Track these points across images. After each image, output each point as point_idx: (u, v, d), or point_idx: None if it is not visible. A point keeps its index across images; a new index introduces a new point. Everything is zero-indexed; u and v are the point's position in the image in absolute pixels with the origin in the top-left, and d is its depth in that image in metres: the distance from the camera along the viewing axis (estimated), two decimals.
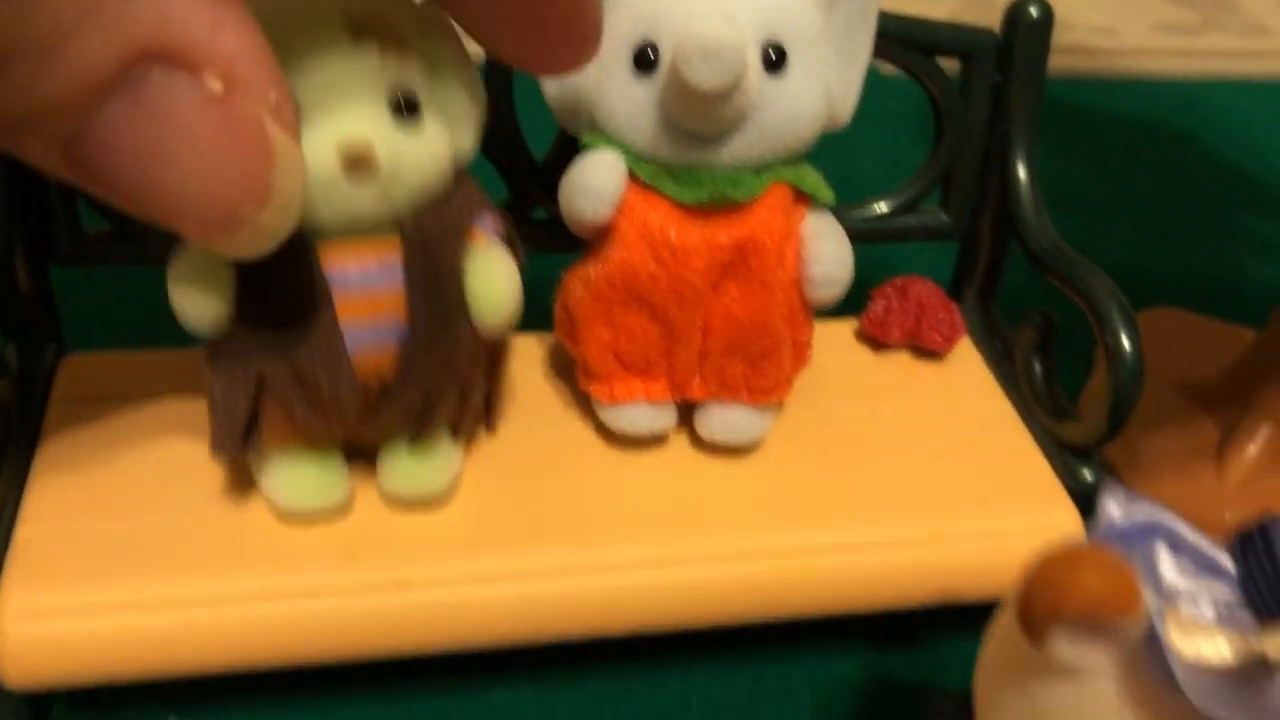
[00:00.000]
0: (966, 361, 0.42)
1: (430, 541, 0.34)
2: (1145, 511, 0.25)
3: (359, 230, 0.29)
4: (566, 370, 0.40)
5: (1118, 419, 0.36)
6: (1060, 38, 0.78)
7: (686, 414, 0.38)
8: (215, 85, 0.20)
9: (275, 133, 0.21)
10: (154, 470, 0.35)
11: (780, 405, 0.38)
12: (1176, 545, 0.25)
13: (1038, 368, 0.41)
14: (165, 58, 0.20)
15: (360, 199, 0.29)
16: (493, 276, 0.31)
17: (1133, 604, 0.22)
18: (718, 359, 0.35)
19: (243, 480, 0.35)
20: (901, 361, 0.42)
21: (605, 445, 0.38)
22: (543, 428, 0.38)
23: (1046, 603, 0.23)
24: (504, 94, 0.38)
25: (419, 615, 0.33)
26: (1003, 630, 0.27)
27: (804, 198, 0.35)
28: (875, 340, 0.42)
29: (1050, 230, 0.40)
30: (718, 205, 0.33)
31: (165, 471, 0.35)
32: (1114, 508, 0.25)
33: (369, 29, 0.28)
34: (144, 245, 0.38)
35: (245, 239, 0.22)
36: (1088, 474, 0.38)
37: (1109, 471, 0.47)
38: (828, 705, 0.38)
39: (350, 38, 0.28)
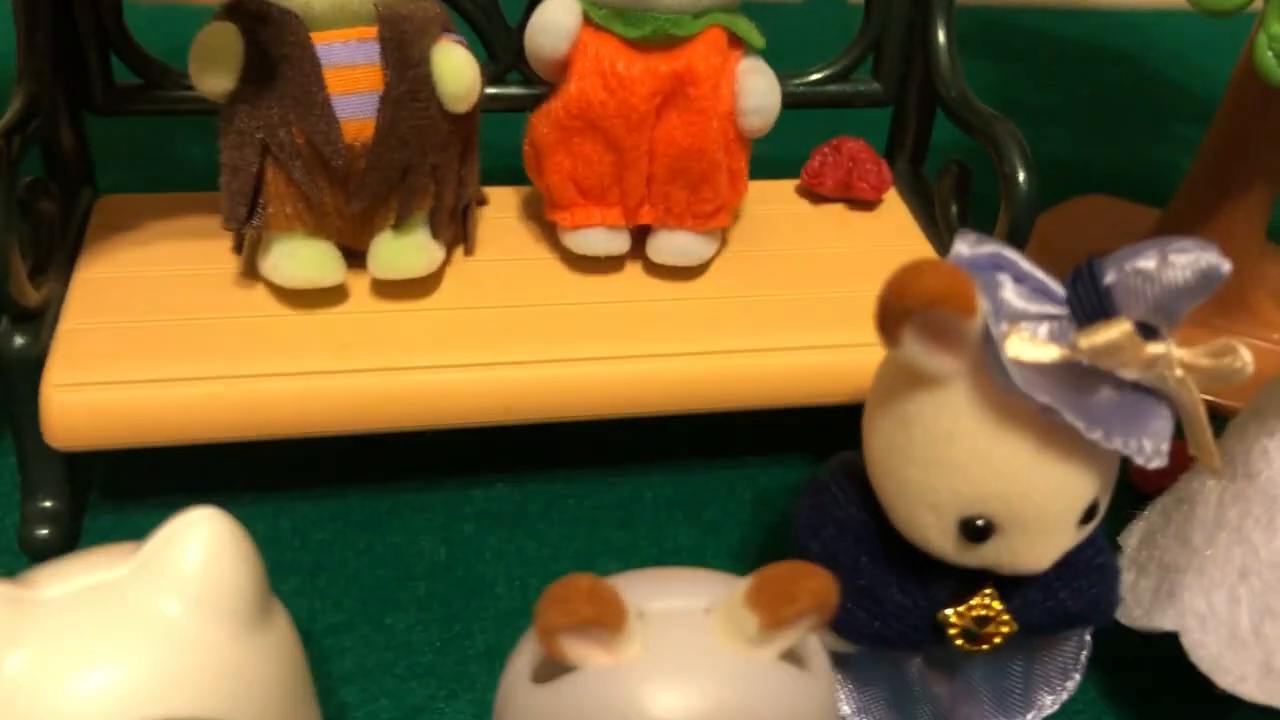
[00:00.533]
0: (894, 210, 0.48)
1: (415, 335, 0.39)
2: (991, 248, 0.30)
3: (345, 18, 0.36)
4: (534, 214, 0.45)
5: (1016, 240, 0.41)
6: None
7: (640, 243, 0.43)
8: None
9: None
10: (175, 281, 0.41)
11: (721, 232, 0.43)
12: (1018, 276, 0.30)
13: (954, 208, 0.46)
14: None
15: None
16: (455, 60, 0.37)
17: (968, 303, 0.27)
18: (663, 185, 0.41)
19: (252, 283, 0.40)
20: (837, 211, 0.48)
21: (568, 268, 0.43)
22: (514, 255, 0.43)
23: (897, 302, 0.28)
24: None
25: (405, 394, 0.38)
26: (880, 369, 0.32)
27: (738, 43, 0.40)
28: (812, 193, 0.48)
29: (963, 86, 0.45)
30: (660, 42, 0.39)
31: (185, 283, 0.41)
32: (963, 245, 0.30)
33: None
34: (168, 99, 0.44)
35: None
36: None
37: None
38: (764, 503, 0.44)
39: None
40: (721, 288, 0.43)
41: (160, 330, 0.39)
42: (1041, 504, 0.30)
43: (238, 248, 0.42)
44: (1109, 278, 0.29)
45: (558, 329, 0.40)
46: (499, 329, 0.40)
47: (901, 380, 0.31)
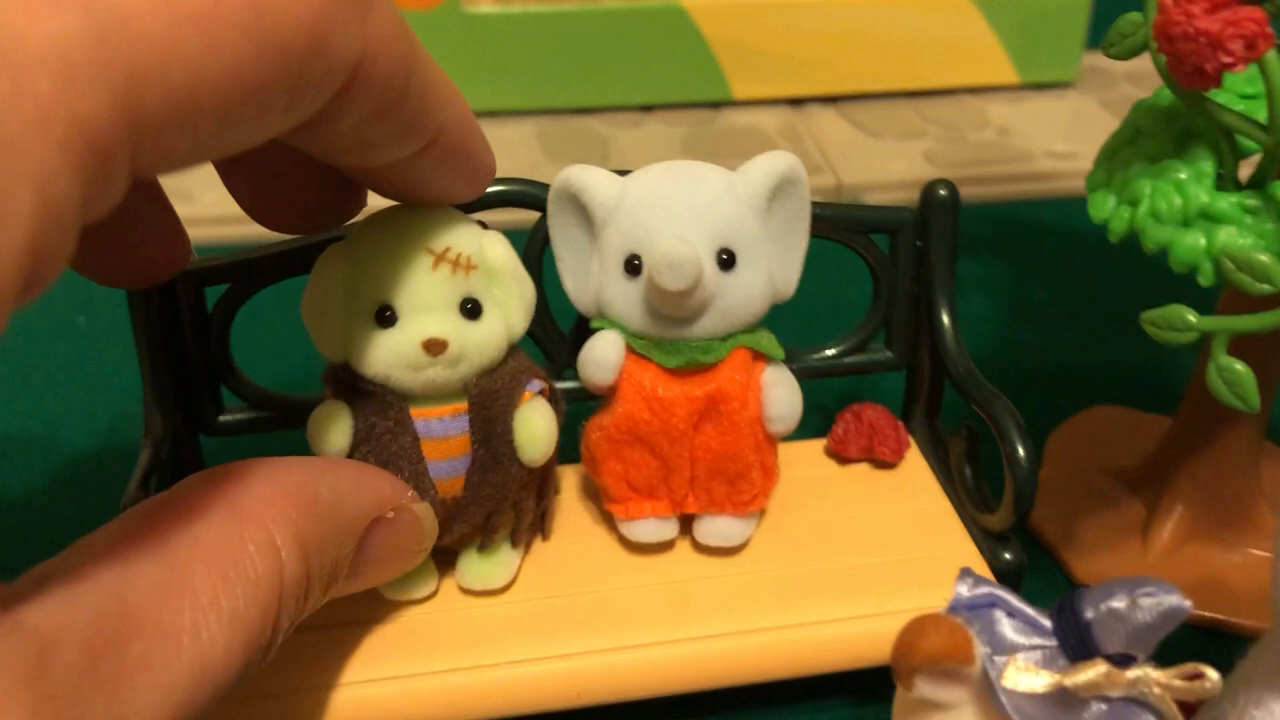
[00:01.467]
0: (914, 469, 0.53)
1: (495, 631, 0.45)
2: (986, 589, 0.36)
3: (438, 395, 0.43)
4: (593, 495, 0.51)
5: (1020, 510, 0.46)
6: (1024, 166, 0.89)
7: (686, 524, 0.49)
8: None
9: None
10: None
11: (760, 513, 0.49)
12: (1011, 612, 0.35)
13: (967, 470, 0.51)
14: None
15: (438, 374, 0.42)
16: (534, 428, 0.44)
17: (966, 656, 0.33)
18: (704, 481, 0.47)
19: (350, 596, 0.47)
20: (861, 472, 0.53)
21: (625, 552, 0.49)
22: (578, 539, 0.49)
23: (905, 660, 0.33)
24: (537, 288, 0.50)
25: (489, 689, 0.44)
26: (896, 699, 0.38)
27: (761, 356, 0.47)
28: (839, 456, 0.53)
29: (967, 361, 0.51)
30: (693, 368, 0.45)
31: None
32: (963, 587, 0.36)
33: (442, 258, 0.42)
34: (274, 422, 0.51)
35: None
36: (1007, 555, 0.48)
37: (1049, 549, 0.57)
38: None
39: (431, 264, 0.42)
40: (760, 562, 0.48)
41: None
42: None
43: None
44: (1088, 614, 0.34)
45: (619, 616, 0.46)
46: (568, 619, 0.46)
47: (919, 704, 0.36)
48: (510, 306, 0.44)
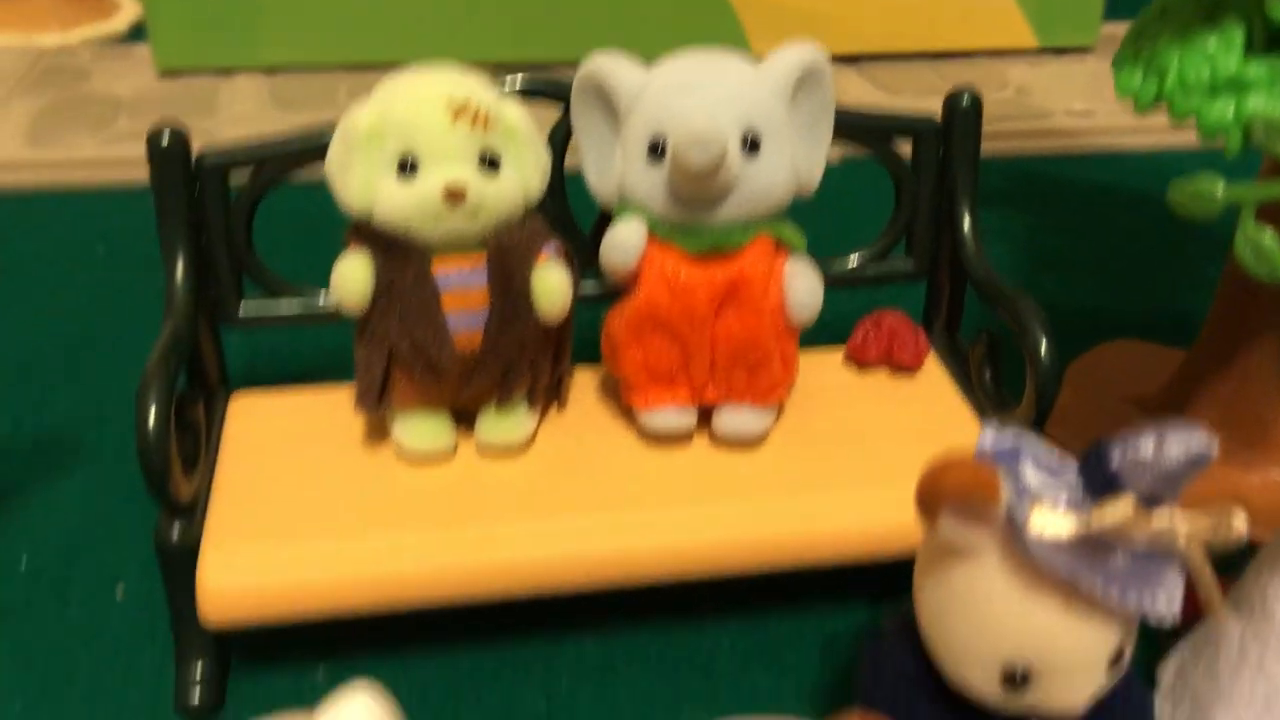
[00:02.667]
0: (933, 375, 0.53)
1: (515, 506, 0.45)
2: (1013, 437, 0.35)
3: (458, 246, 0.43)
4: (611, 396, 0.51)
5: (1042, 407, 0.46)
6: (1043, 123, 0.90)
7: (705, 422, 0.48)
8: None
9: None
10: (304, 469, 0.47)
11: (778, 407, 0.49)
12: (1037, 460, 0.35)
13: (987, 373, 0.51)
14: None
15: (457, 224, 0.42)
16: (550, 283, 0.44)
17: (992, 492, 0.33)
18: (724, 369, 0.46)
19: (368, 465, 0.47)
20: (880, 379, 0.53)
21: (643, 446, 0.48)
22: (596, 433, 0.49)
23: (931, 493, 0.33)
24: (559, 193, 0.50)
25: (508, 568, 0.44)
26: (923, 544, 0.37)
27: (784, 246, 0.47)
28: (858, 362, 0.53)
29: (987, 266, 0.51)
30: (715, 253, 0.45)
31: (313, 470, 0.47)
32: (988, 434, 0.35)
33: (462, 112, 0.43)
34: (290, 314, 0.51)
35: None
36: None
37: None
38: (832, 647, 0.48)
39: (451, 118, 0.42)
40: (780, 456, 0.48)
41: (296, 514, 0.45)
42: (1071, 653, 0.34)
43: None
44: (1115, 460, 0.34)
45: (636, 500, 0.46)
46: (583, 498, 0.46)
47: (943, 553, 0.36)
48: (527, 167, 0.44)
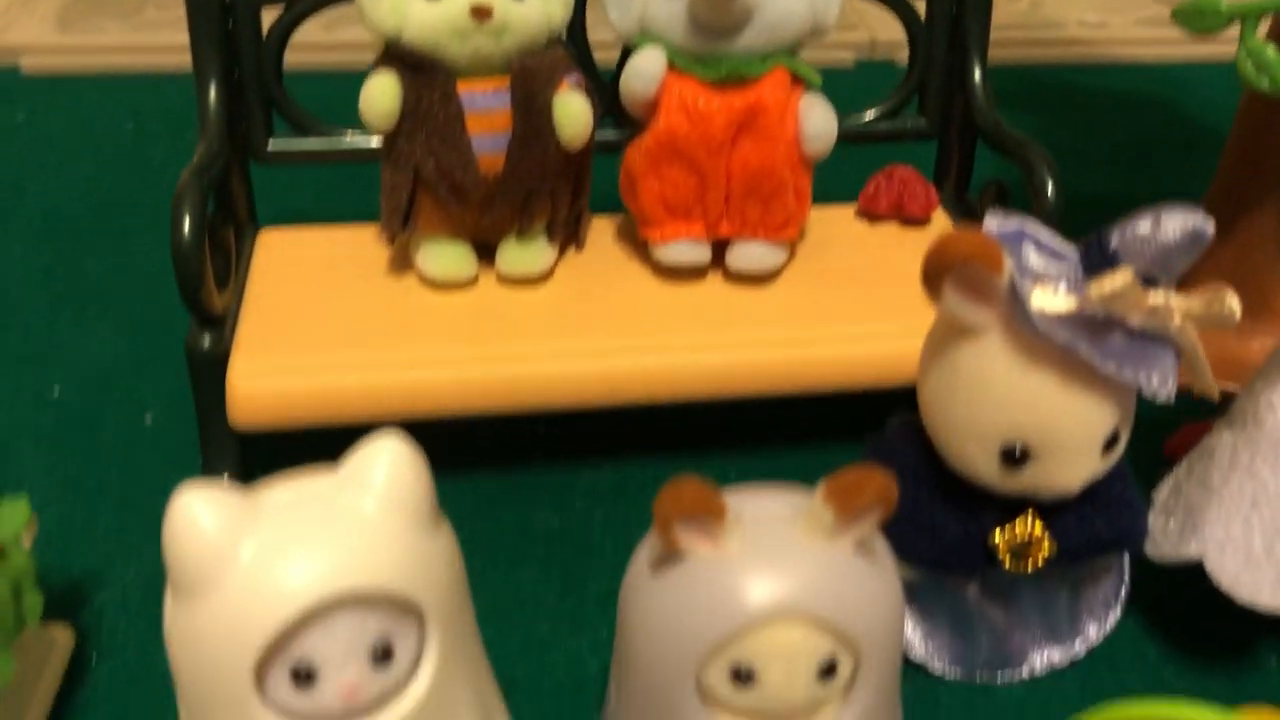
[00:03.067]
0: (942, 227, 0.54)
1: (533, 327, 0.47)
2: (1015, 222, 0.37)
3: (483, 68, 0.45)
4: (628, 238, 0.52)
5: None
6: (1056, 32, 0.90)
7: (719, 258, 0.50)
8: None
9: None
10: (330, 290, 0.48)
11: (790, 245, 0.50)
12: (1039, 243, 0.37)
13: None
14: None
15: (483, 43, 0.44)
16: (572, 108, 0.45)
17: (996, 259, 0.34)
18: (739, 202, 0.48)
19: (394, 288, 0.48)
20: (891, 229, 0.54)
21: (659, 279, 0.50)
22: (613, 266, 0.51)
23: (937, 259, 0.34)
24: (581, 37, 0.51)
25: (527, 381, 0.45)
26: (931, 329, 0.39)
27: (799, 81, 0.48)
28: (869, 215, 0.54)
29: (997, 117, 0.52)
30: (733, 81, 0.46)
31: (338, 291, 0.48)
32: (992, 220, 0.37)
33: None
34: (318, 151, 0.52)
35: None
36: None
37: None
38: None
39: None
40: (790, 292, 0.50)
41: (324, 327, 0.46)
42: (1068, 430, 0.36)
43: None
44: (1114, 240, 0.35)
45: (652, 325, 0.47)
46: (601, 320, 0.47)
47: (948, 333, 0.37)
48: None
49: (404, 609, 0.32)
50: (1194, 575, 0.41)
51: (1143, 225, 0.35)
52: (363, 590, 0.31)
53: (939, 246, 0.34)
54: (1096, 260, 0.36)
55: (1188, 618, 0.44)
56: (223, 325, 0.46)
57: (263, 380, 0.44)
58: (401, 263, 0.50)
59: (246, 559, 0.30)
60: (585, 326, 0.47)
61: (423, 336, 0.46)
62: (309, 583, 0.30)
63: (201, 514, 0.29)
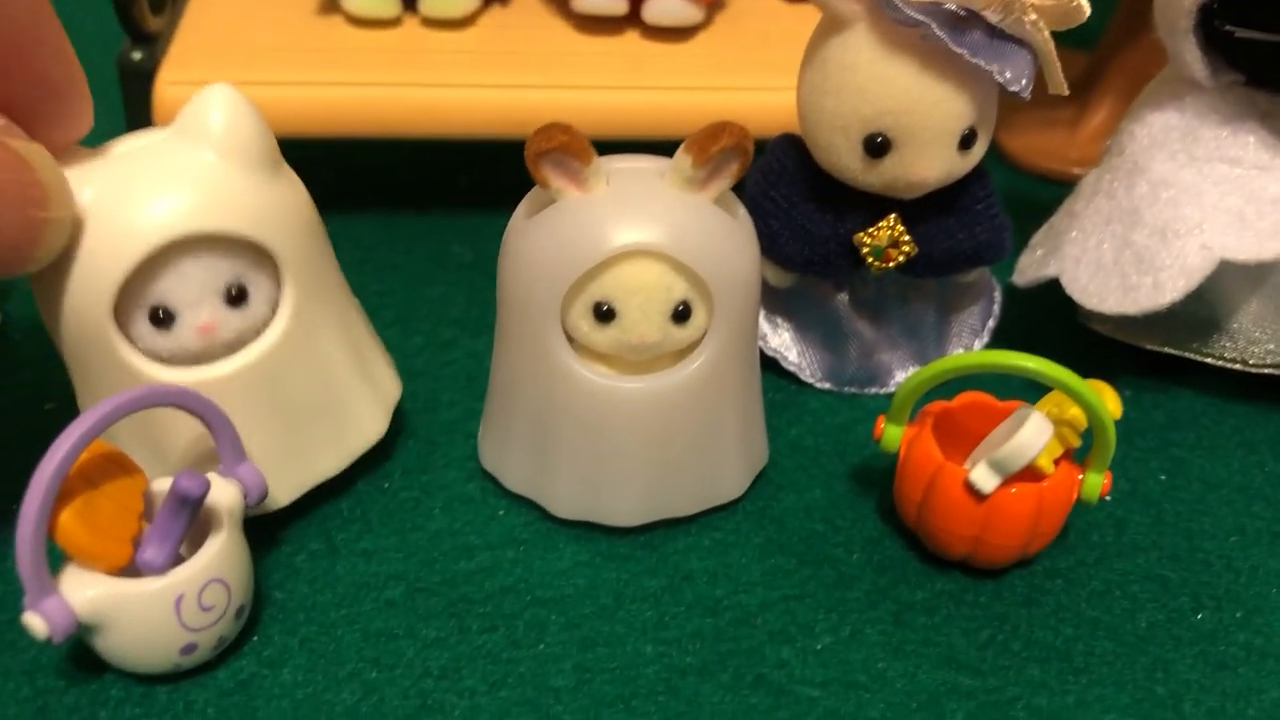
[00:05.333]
0: None
1: (452, 62, 0.49)
2: None
3: None
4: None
5: None
6: None
7: (635, 13, 0.52)
8: None
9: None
10: (266, 18, 0.51)
11: (708, 4, 0.52)
12: None
13: None
14: None
15: None
16: None
17: None
18: None
19: (329, 18, 0.51)
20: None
21: (577, 30, 0.52)
22: (533, 18, 0.53)
23: None
24: None
25: (443, 105, 0.48)
26: (811, 36, 0.41)
27: None
28: None
29: None
30: None
31: (274, 19, 0.51)
32: None
33: None
34: None
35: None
36: None
37: None
38: None
39: None
40: (705, 48, 0.52)
41: (253, 49, 0.49)
42: (925, 119, 0.38)
43: None
44: None
45: (570, 67, 0.50)
46: (520, 61, 0.50)
47: (821, 32, 0.39)
48: None
49: (256, 254, 0.34)
50: (1060, 309, 0.44)
51: None
52: (208, 232, 0.33)
53: None
54: None
55: (1051, 352, 0.47)
56: (155, 43, 0.48)
57: (188, 90, 0.46)
58: (333, 4, 0.52)
59: (86, 203, 0.32)
60: (503, 65, 0.49)
61: (347, 64, 0.49)
62: (156, 225, 0.32)
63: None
